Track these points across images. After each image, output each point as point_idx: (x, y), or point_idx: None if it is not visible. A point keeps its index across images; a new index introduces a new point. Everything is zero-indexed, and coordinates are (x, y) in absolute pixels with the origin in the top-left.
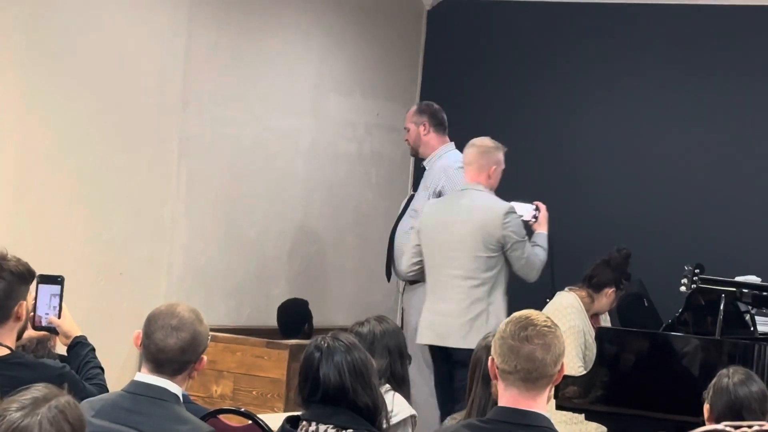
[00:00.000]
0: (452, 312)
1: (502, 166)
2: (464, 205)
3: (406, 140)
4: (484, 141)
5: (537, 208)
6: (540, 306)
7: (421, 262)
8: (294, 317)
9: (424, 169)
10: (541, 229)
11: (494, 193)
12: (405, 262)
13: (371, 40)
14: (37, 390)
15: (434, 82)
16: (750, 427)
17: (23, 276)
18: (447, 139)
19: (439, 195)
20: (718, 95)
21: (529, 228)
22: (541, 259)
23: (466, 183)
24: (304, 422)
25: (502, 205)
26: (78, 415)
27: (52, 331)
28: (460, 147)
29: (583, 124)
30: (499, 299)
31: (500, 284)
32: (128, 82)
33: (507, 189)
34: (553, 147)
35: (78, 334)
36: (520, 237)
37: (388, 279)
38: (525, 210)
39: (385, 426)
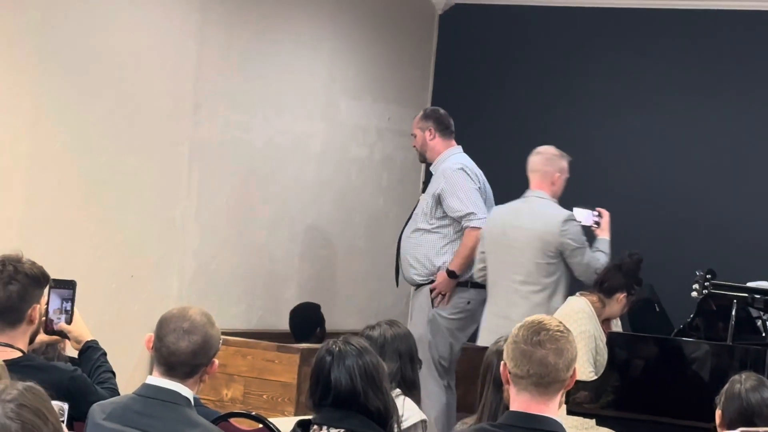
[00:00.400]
0: (513, 316)
1: (566, 174)
2: (525, 212)
3: (414, 146)
4: (549, 149)
5: (599, 214)
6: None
7: (486, 267)
8: (306, 321)
9: (431, 174)
10: (603, 235)
11: (557, 200)
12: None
13: (383, 44)
14: None
15: (446, 87)
16: None
17: (38, 279)
18: (453, 142)
19: (439, 198)
20: (735, 100)
21: (591, 233)
22: (602, 263)
23: (529, 190)
24: (315, 426)
25: (561, 213)
26: (40, 399)
27: (64, 335)
28: (473, 151)
29: (595, 127)
30: (560, 304)
31: (560, 290)
32: (140, 85)
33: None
34: (564, 150)
35: (89, 339)
36: (579, 244)
37: (397, 284)
38: (585, 216)
39: (396, 430)
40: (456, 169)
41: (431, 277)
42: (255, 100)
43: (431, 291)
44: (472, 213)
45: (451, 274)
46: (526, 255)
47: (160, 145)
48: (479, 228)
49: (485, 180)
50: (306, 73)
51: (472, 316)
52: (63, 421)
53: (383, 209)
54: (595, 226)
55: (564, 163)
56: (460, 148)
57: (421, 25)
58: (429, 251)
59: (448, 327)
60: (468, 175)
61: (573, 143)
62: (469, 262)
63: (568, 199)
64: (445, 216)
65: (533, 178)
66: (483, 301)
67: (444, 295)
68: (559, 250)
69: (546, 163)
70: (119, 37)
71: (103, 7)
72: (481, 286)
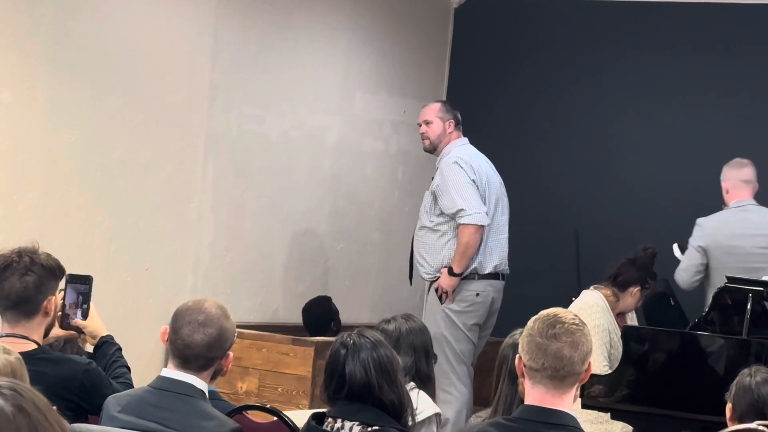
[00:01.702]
0: None
1: None
2: (752, 219)
3: (422, 133)
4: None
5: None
6: (565, 304)
7: (701, 279)
8: (319, 318)
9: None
10: None
11: None
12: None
13: (398, 38)
14: None
15: (461, 80)
16: None
17: (53, 271)
18: (462, 136)
19: (434, 193)
20: (743, 94)
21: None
22: None
23: (744, 200)
24: (330, 419)
25: None
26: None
27: (80, 330)
28: (488, 143)
29: (611, 121)
30: None
31: None
32: (155, 78)
33: (537, 187)
34: (580, 145)
35: (105, 334)
36: None
37: (411, 282)
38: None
39: (410, 423)
40: (450, 163)
41: (437, 274)
42: (270, 94)
43: (436, 290)
44: (462, 210)
45: (450, 271)
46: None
47: (175, 138)
48: (471, 224)
49: (488, 170)
50: (321, 67)
51: (485, 308)
52: None
53: (398, 203)
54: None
55: None
56: (464, 140)
57: (436, 19)
58: (432, 248)
59: (462, 322)
60: (461, 167)
61: (588, 136)
62: (468, 259)
63: (585, 191)
64: (443, 213)
65: (747, 187)
66: (496, 291)
67: (447, 293)
68: None
69: (754, 174)
70: (133, 30)
71: (118, 0)
72: (491, 277)
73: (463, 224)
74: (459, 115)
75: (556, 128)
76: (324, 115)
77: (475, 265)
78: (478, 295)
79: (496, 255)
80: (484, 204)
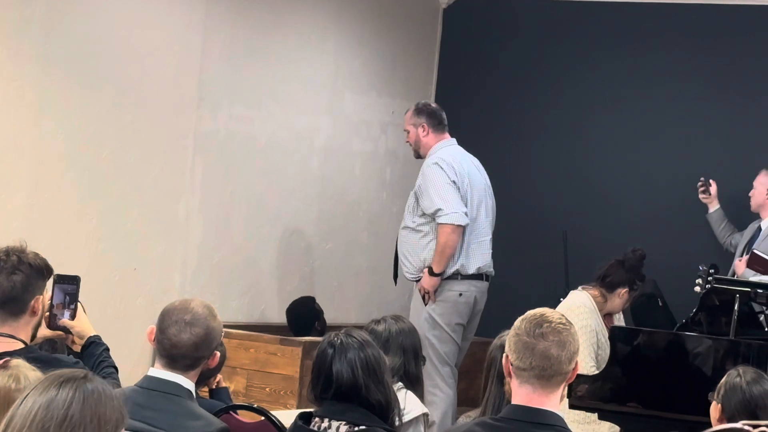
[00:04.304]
0: None
1: None
2: None
3: (407, 142)
4: None
5: None
6: (553, 305)
7: None
8: (302, 317)
9: None
10: None
11: None
12: None
13: (387, 38)
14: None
15: (450, 81)
16: None
17: (41, 270)
18: (445, 135)
19: (415, 194)
20: (735, 96)
21: None
22: None
23: None
24: (317, 419)
25: None
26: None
27: (67, 331)
28: (476, 144)
29: (599, 122)
30: None
31: None
32: (144, 78)
33: (526, 188)
34: (568, 145)
35: (92, 334)
36: None
37: (395, 282)
38: None
39: (397, 423)
40: (431, 164)
41: (419, 274)
42: (259, 94)
43: (419, 291)
44: (440, 209)
45: (431, 271)
46: None
47: (164, 138)
48: (449, 224)
49: (471, 171)
50: (310, 68)
51: (468, 308)
52: None
53: (386, 204)
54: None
55: None
56: (450, 141)
57: (425, 20)
58: (414, 248)
59: (446, 322)
60: (442, 168)
61: (577, 136)
62: (447, 258)
63: (573, 192)
64: (425, 213)
65: None
66: (479, 292)
67: (429, 293)
68: None
69: None
70: (123, 29)
71: (107, 0)
72: (475, 278)
73: (441, 224)
74: (440, 115)
75: (544, 128)
76: (313, 116)
77: (457, 267)
78: (461, 295)
79: (478, 256)
80: (465, 205)
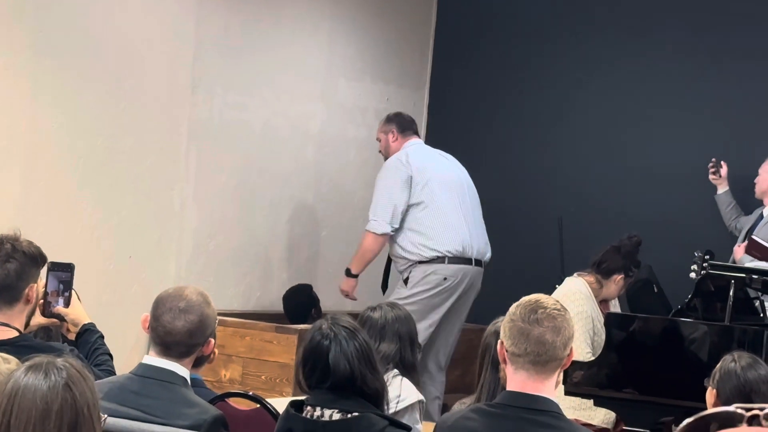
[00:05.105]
0: None
1: None
2: None
3: (380, 151)
4: None
5: None
6: (549, 291)
7: None
8: (299, 305)
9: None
10: None
11: None
12: None
13: (381, 24)
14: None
15: (444, 67)
16: (762, 409)
17: (35, 258)
18: (412, 138)
19: None
20: (730, 81)
21: None
22: None
23: None
24: (309, 407)
25: None
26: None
27: (61, 318)
28: (471, 131)
29: (596, 107)
30: None
31: None
32: (138, 66)
33: (521, 173)
34: (564, 131)
35: (87, 322)
36: None
37: (384, 291)
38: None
39: (385, 408)
40: (386, 164)
41: (407, 264)
42: (253, 81)
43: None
44: (370, 215)
45: (348, 272)
46: None
47: (158, 126)
48: (371, 232)
49: (436, 167)
50: (305, 54)
51: (452, 293)
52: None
53: None
54: None
55: None
56: (414, 141)
57: (420, 6)
58: (395, 247)
59: (424, 306)
60: (395, 166)
61: (572, 121)
62: (366, 262)
63: (569, 178)
64: None
65: None
66: (468, 276)
67: (348, 294)
68: None
69: None
70: (117, 17)
71: None
72: (463, 262)
73: (366, 230)
74: (408, 120)
75: (539, 114)
76: (307, 103)
77: (448, 248)
78: (446, 279)
79: (445, 238)
80: (420, 191)
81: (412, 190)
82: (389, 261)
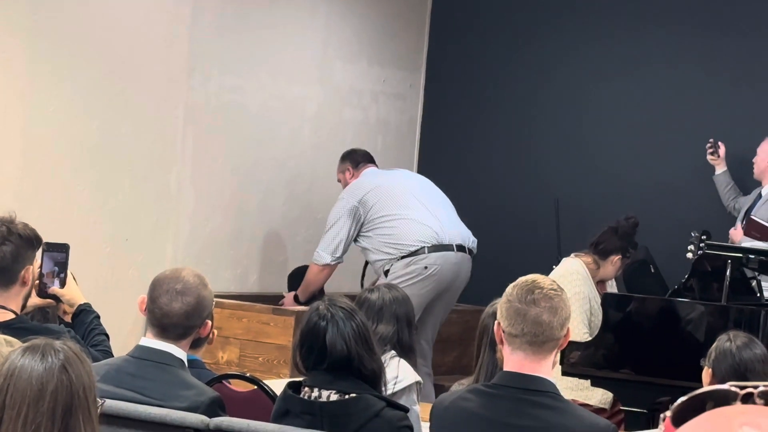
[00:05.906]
0: None
1: None
2: None
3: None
4: None
5: None
6: (546, 272)
7: None
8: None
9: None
10: None
11: None
12: None
13: (378, 6)
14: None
15: (441, 49)
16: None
17: (30, 240)
18: (366, 167)
19: None
20: (728, 60)
21: None
22: None
23: None
24: (306, 388)
25: None
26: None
27: (57, 299)
28: (468, 115)
29: (593, 88)
30: None
31: None
32: (134, 48)
33: (517, 156)
34: (562, 113)
35: (82, 302)
36: None
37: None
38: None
39: (384, 390)
40: (337, 200)
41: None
42: (249, 64)
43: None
44: (318, 248)
45: (296, 299)
46: None
47: (155, 108)
48: (316, 264)
49: (383, 181)
50: (301, 36)
51: (437, 281)
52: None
53: None
54: None
55: None
56: (368, 170)
57: None
58: (370, 253)
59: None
60: (343, 200)
61: (570, 105)
62: (309, 294)
63: (566, 159)
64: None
65: None
66: (450, 263)
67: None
68: None
69: None
70: (112, 0)
71: None
72: (443, 249)
73: (312, 261)
74: (360, 153)
75: (535, 96)
76: (303, 85)
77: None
78: (426, 267)
79: (408, 234)
80: (387, 211)
81: (371, 211)
82: (366, 265)
